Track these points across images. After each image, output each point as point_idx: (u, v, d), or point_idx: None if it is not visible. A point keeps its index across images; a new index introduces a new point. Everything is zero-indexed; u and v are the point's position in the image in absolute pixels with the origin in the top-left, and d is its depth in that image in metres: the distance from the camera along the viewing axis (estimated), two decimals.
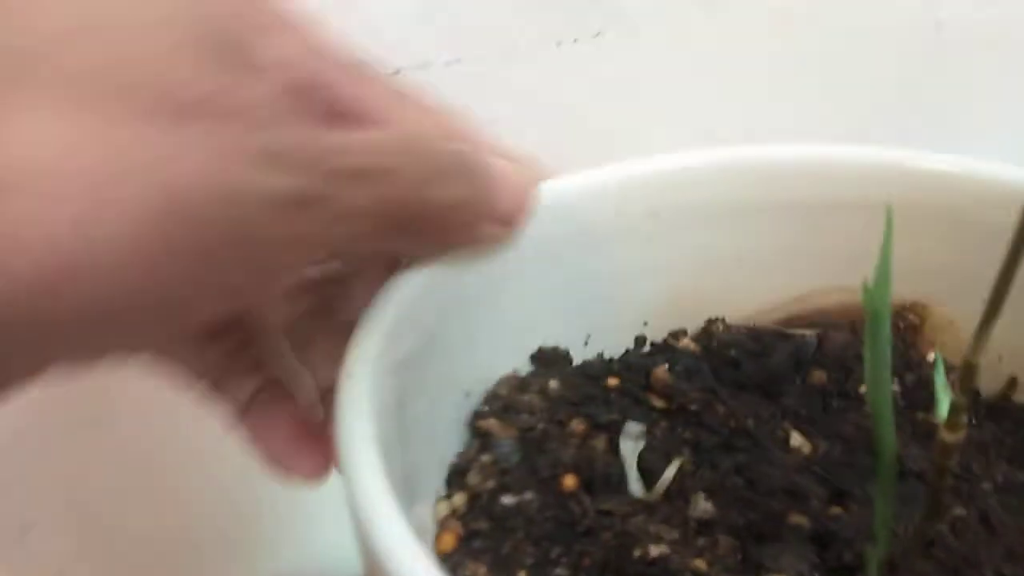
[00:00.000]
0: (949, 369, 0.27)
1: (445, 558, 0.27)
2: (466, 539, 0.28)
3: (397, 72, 0.35)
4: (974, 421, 0.32)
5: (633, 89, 0.40)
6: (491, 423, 0.30)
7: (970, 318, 0.32)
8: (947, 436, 0.22)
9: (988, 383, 0.34)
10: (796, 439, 0.32)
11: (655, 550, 0.27)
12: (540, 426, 0.31)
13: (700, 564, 0.27)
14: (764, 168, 0.34)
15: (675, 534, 0.28)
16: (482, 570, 0.27)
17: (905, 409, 0.33)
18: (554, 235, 0.32)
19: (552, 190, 0.32)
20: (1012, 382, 0.33)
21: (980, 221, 0.33)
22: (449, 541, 0.27)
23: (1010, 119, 0.52)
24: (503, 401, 0.31)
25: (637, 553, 0.27)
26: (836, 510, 0.30)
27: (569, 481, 0.29)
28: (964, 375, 0.22)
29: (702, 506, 0.30)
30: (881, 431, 0.24)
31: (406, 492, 0.23)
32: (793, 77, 0.45)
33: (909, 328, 0.35)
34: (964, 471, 0.30)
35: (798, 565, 0.28)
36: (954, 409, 0.22)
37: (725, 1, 0.41)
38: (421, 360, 0.27)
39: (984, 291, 0.21)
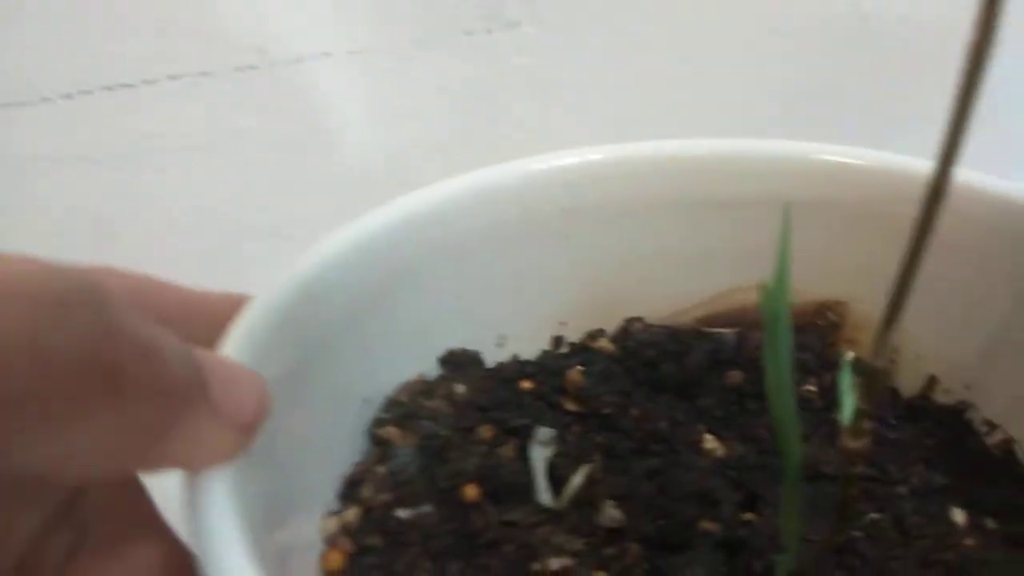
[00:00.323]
0: (865, 370, 0.27)
1: None
2: (357, 556, 0.26)
3: (299, 60, 0.33)
4: (892, 422, 0.31)
5: (548, 80, 0.38)
6: (390, 431, 0.28)
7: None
8: (850, 442, 0.21)
9: (907, 382, 0.33)
10: (710, 442, 0.31)
11: (556, 563, 0.26)
12: (443, 433, 0.29)
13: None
14: (676, 163, 0.33)
15: (580, 544, 0.27)
16: None
17: (822, 410, 0.32)
18: (459, 233, 0.31)
19: (459, 187, 0.31)
20: (931, 381, 0.32)
21: (894, 215, 0.32)
22: (336, 560, 0.25)
23: (937, 112, 0.52)
24: (403, 408, 0.29)
25: (536, 567, 0.26)
26: (748, 516, 0.29)
27: (471, 491, 0.27)
28: (868, 380, 0.21)
29: (610, 514, 0.29)
30: (785, 436, 0.23)
31: (274, 515, 0.21)
32: (714, 71, 0.44)
33: (829, 327, 0.34)
34: (880, 473, 0.29)
35: (705, 575, 0.26)
36: (858, 414, 0.21)
37: None
38: (301, 375, 0.25)
39: None
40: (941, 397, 0.32)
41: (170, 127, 0.29)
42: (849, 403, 0.22)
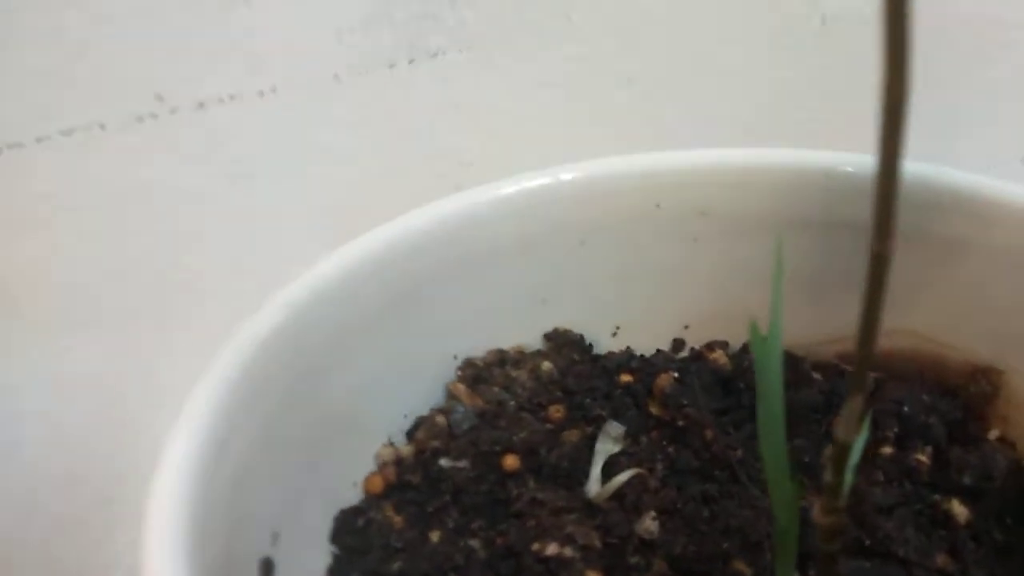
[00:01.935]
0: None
1: (367, 499, 0.29)
2: (396, 487, 0.29)
3: (200, 106, 0.31)
4: (1008, 521, 0.27)
5: (479, 109, 0.36)
6: (459, 388, 0.31)
7: None
8: (820, 518, 0.20)
9: None
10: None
11: (552, 549, 0.26)
12: (510, 403, 0.31)
13: None
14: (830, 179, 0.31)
15: (597, 542, 0.27)
16: (398, 519, 0.28)
17: (925, 485, 0.28)
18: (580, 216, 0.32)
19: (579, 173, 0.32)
20: None
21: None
22: (377, 483, 0.29)
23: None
24: (478, 370, 0.31)
25: (536, 546, 0.27)
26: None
27: (510, 461, 0.29)
28: (836, 455, 0.19)
29: (648, 524, 0.28)
30: (775, 496, 0.21)
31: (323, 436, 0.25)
32: (662, 88, 0.38)
33: (980, 396, 0.29)
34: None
35: None
36: (829, 491, 0.19)
37: (579, 8, 0.36)
38: (385, 321, 0.28)
39: None
40: None
41: (68, 185, 0.29)
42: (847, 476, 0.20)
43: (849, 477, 0.20)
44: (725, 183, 0.32)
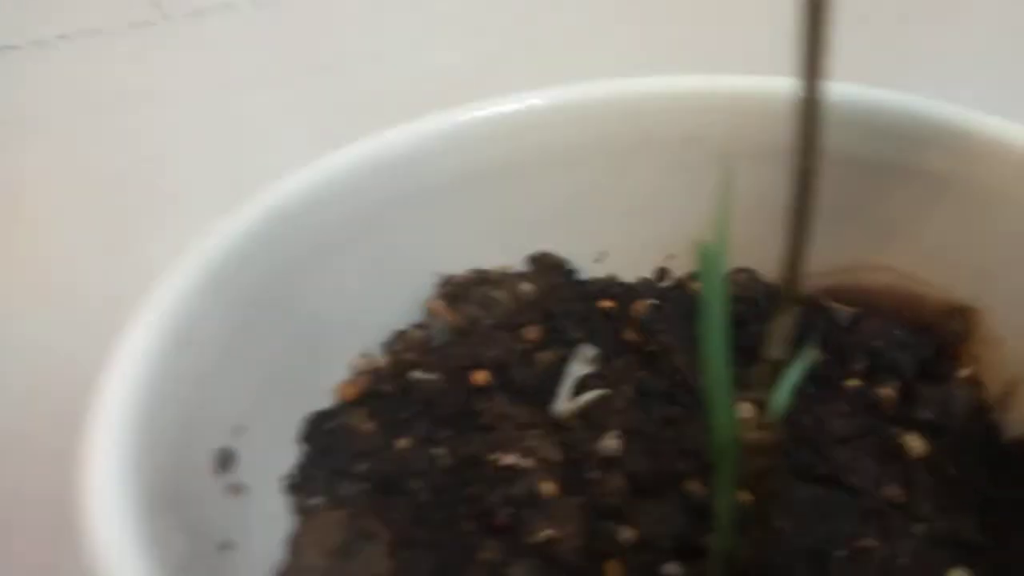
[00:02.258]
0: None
1: (340, 406, 0.30)
2: (370, 396, 0.30)
3: (197, 14, 0.32)
4: (961, 457, 0.27)
5: (467, 25, 0.35)
6: (438, 305, 0.31)
7: (1016, 335, 0.27)
8: (748, 434, 0.20)
9: (1017, 420, 0.27)
10: (745, 411, 0.29)
11: (508, 459, 0.27)
12: (486, 321, 0.31)
13: (549, 488, 0.27)
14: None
15: (557, 456, 0.28)
16: (368, 425, 0.29)
17: (889, 420, 0.28)
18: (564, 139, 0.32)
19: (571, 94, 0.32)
20: None
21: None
22: (350, 391, 0.30)
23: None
24: (457, 288, 0.32)
25: (494, 456, 0.27)
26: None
27: (479, 376, 0.30)
28: (764, 373, 0.19)
29: (609, 443, 0.29)
30: (715, 413, 0.22)
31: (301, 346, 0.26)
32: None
33: (953, 335, 0.29)
34: (894, 504, 0.26)
35: (655, 529, 0.26)
36: (757, 408, 0.20)
37: None
38: (356, 240, 0.29)
39: None
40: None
41: (63, 89, 0.29)
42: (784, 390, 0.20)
43: (783, 397, 0.20)
44: (715, 108, 0.31)
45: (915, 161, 0.28)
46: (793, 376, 0.21)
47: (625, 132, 0.32)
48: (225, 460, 0.24)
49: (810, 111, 0.15)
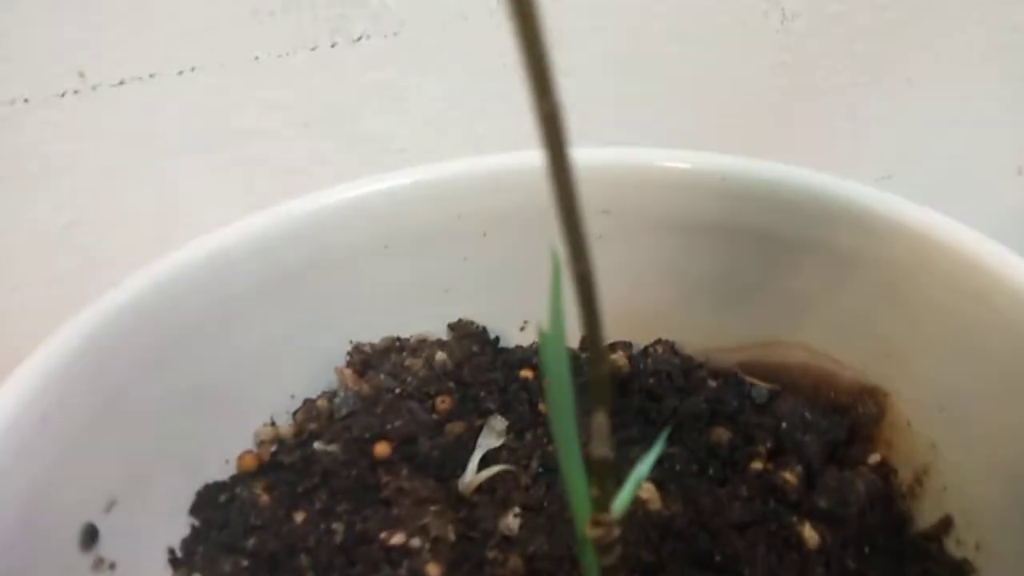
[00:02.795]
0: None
1: (237, 476, 0.29)
2: (271, 467, 0.30)
3: (121, 83, 0.32)
4: (866, 551, 0.26)
5: (399, 94, 0.35)
6: (346, 373, 0.31)
7: (924, 421, 0.26)
8: (589, 531, 0.19)
9: (925, 512, 0.26)
10: (647, 491, 0.28)
11: (398, 538, 0.27)
12: (395, 391, 0.31)
13: (434, 571, 0.26)
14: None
15: (451, 535, 0.28)
16: (265, 498, 0.29)
17: (792, 504, 0.27)
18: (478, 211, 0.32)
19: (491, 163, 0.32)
20: (946, 522, 0.25)
21: (943, 280, 0.25)
22: (249, 462, 0.29)
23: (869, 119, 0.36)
24: (367, 357, 0.32)
25: (383, 535, 0.27)
26: None
27: (381, 448, 0.29)
28: (596, 470, 0.18)
29: (510, 521, 0.28)
30: (574, 505, 0.21)
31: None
32: (598, 80, 0.35)
33: (867, 417, 0.28)
34: None
35: None
36: (595, 505, 0.19)
37: None
38: (270, 304, 0.29)
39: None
40: (951, 547, 0.25)
41: None
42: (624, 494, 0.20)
43: (627, 492, 0.20)
44: (627, 183, 0.31)
45: (823, 238, 0.28)
46: (639, 474, 0.20)
47: (539, 200, 0.32)
48: (90, 536, 0.23)
49: (567, 213, 0.15)
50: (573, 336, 0.23)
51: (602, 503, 0.19)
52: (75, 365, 0.23)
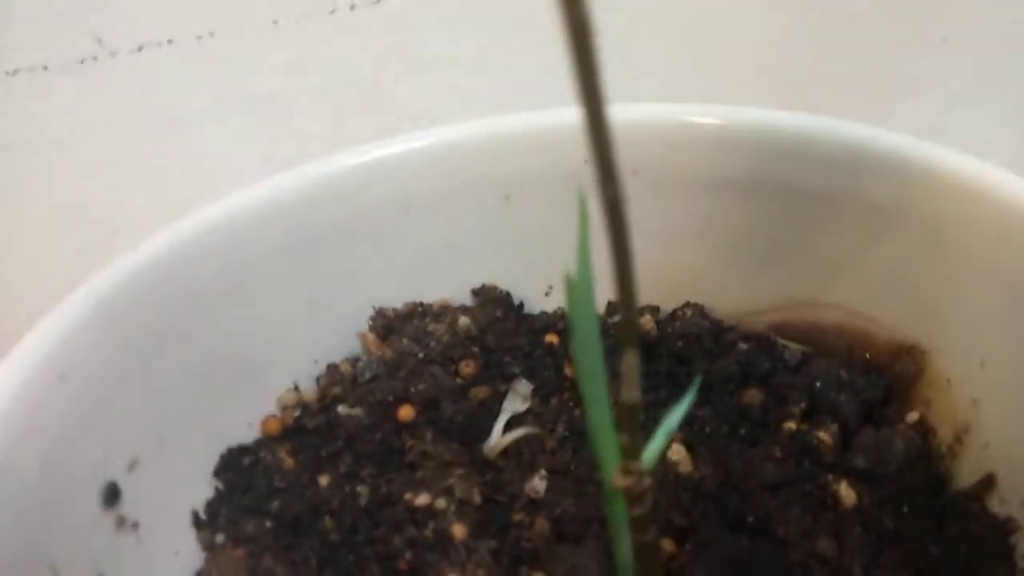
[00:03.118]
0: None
1: (262, 441, 0.29)
2: (294, 431, 0.29)
3: (139, 49, 0.31)
4: (905, 510, 0.25)
5: (421, 57, 0.34)
6: (368, 338, 0.31)
7: (965, 378, 0.25)
8: (618, 480, 0.19)
9: (965, 471, 0.25)
10: (677, 452, 0.27)
11: (424, 499, 0.26)
12: (419, 355, 0.31)
13: (460, 531, 0.26)
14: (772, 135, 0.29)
15: (477, 497, 0.27)
16: (290, 461, 0.29)
17: (827, 465, 0.26)
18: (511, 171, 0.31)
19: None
20: (988, 481, 0.24)
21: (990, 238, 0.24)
22: (274, 426, 0.29)
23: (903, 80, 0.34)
24: (389, 322, 0.31)
25: (408, 495, 0.27)
26: (668, 545, 0.26)
27: (405, 412, 0.29)
28: (623, 416, 0.18)
29: (536, 483, 0.28)
30: (601, 459, 0.20)
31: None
32: (630, 37, 0.34)
33: (904, 376, 0.27)
34: (826, 564, 0.24)
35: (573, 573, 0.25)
36: (625, 453, 0.18)
37: None
38: (288, 269, 0.29)
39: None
40: (994, 505, 0.24)
41: (10, 126, 0.30)
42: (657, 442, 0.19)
43: (659, 442, 0.19)
44: (656, 140, 0.30)
45: (858, 192, 0.27)
46: (670, 424, 0.19)
47: (565, 160, 0.31)
48: (113, 494, 0.23)
49: (599, 137, 0.14)
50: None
51: (631, 451, 0.18)
52: (93, 325, 0.23)
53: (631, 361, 0.17)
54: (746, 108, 0.29)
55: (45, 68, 0.32)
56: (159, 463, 0.25)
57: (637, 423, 0.18)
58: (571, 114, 0.31)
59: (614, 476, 0.19)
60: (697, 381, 0.24)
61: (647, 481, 0.19)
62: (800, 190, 0.28)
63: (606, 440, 0.20)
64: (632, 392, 0.17)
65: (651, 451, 0.19)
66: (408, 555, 0.25)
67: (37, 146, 0.33)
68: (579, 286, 0.19)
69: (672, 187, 0.31)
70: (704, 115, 0.29)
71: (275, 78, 0.34)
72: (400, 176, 0.30)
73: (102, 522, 0.23)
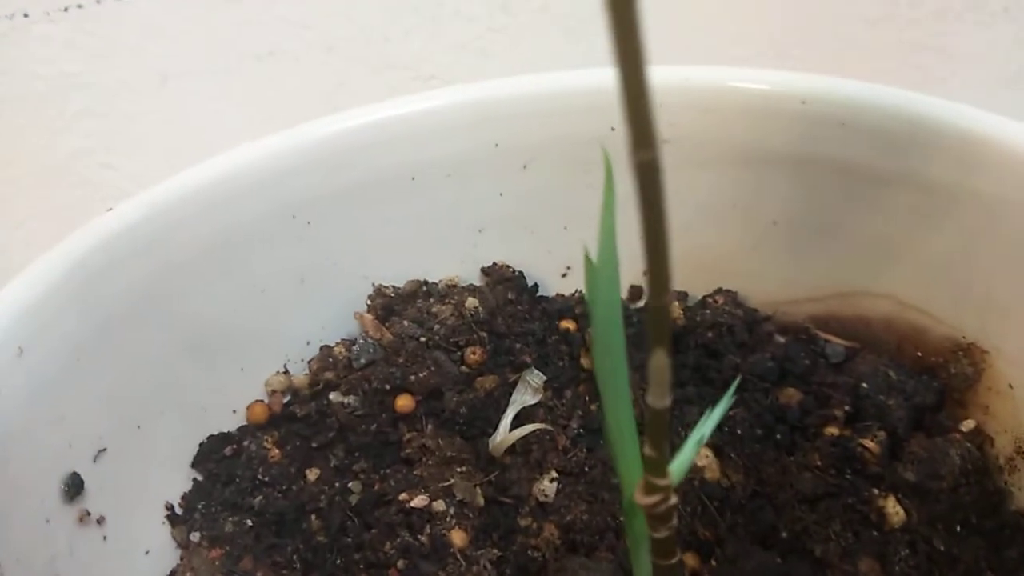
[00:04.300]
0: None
1: (246, 428, 0.27)
2: (282, 419, 0.27)
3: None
4: (957, 528, 0.22)
5: (435, 12, 0.32)
6: (366, 319, 0.28)
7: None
8: (641, 498, 0.16)
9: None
10: (703, 458, 0.25)
11: (420, 501, 0.24)
12: (421, 339, 0.28)
13: (459, 538, 0.23)
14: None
15: (480, 499, 0.25)
16: (276, 452, 0.26)
17: (871, 477, 0.23)
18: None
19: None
20: None
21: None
22: (260, 413, 0.27)
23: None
24: (389, 301, 0.29)
25: (403, 495, 0.24)
26: (692, 560, 0.23)
27: (403, 402, 0.26)
28: (650, 424, 0.15)
29: (544, 486, 0.25)
30: (621, 470, 0.18)
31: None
32: None
33: (960, 378, 0.24)
34: None
35: None
36: (649, 466, 0.16)
37: None
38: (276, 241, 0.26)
39: None
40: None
41: None
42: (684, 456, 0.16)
43: (688, 453, 0.17)
44: (693, 107, 0.27)
45: (914, 169, 0.24)
46: (703, 432, 0.17)
47: (588, 126, 0.28)
48: (75, 486, 0.21)
49: (634, 88, 0.11)
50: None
51: (656, 465, 0.15)
52: (57, 296, 0.21)
53: (660, 361, 0.14)
54: (793, 73, 0.26)
55: (25, 16, 0.29)
56: (130, 451, 0.23)
57: (665, 432, 0.15)
58: (599, 76, 0.29)
59: (636, 492, 0.16)
60: (735, 382, 0.21)
61: (674, 499, 0.16)
62: (849, 165, 0.25)
63: (627, 448, 0.17)
64: (660, 398, 0.14)
65: (679, 464, 0.16)
66: (400, 563, 0.23)
67: (17, 100, 0.30)
68: (602, 267, 0.17)
69: (708, 159, 0.28)
70: (747, 79, 0.26)
71: (275, 31, 0.32)
72: (406, 141, 0.27)
73: (62, 517, 0.21)
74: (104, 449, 0.22)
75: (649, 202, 0.13)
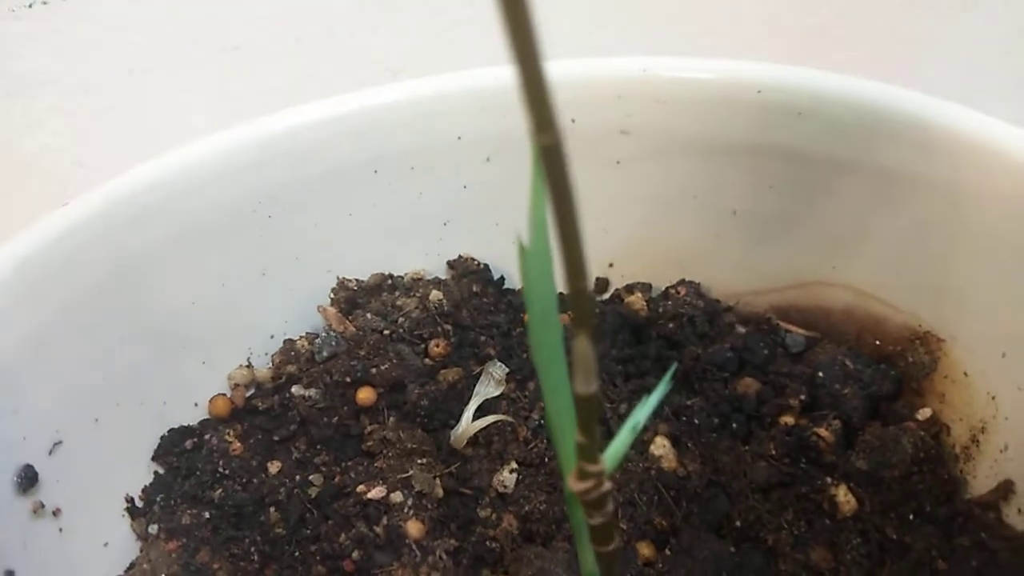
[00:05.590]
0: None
1: (208, 422, 0.27)
2: (244, 412, 0.27)
3: None
4: (911, 517, 0.22)
5: (401, 5, 0.31)
6: (329, 312, 0.28)
7: (984, 371, 0.22)
8: (573, 484, 0.16)
9: (980, 475, 0.23)
10: (660, 446, 0.25)
11: (378, 492, 0.24)
12: (385, 332, 0.28)
13: (415, 529, 0.23)
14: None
15: (439, 490, 0.25)
16: (237, 445, 0.26)
17: (826, 466, 0.23)
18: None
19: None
20: (1005, 488, 0.22)
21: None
22: (222, 406, 0.27)
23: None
24: (352, 295, 0.29)
25: (360, 488, 0.24)
26: (643, 546, 0.23)
27: (364, 395, 0.26)
28: (579, 412, 0.15)
29: (505, 476, 0.25)
30: (561, 458, 0.18)
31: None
32: None
33: (917, 367, 0.25)
34: None
35: None
36: (581, 453, 0.16)
37: None
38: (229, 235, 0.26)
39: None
40: (1011, 515, 0.21)
41: None
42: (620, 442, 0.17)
43: (621, 440, 0.17)
44: (649, 98, 0.27)
45: (871, 157, 0.24)
46: (636, 419, 0.17)
47: (566, 121, 0.28)
48: (29, 478, 0.21)
49: (528, 75, 0.12)
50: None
51: (588, 452, 0.16)
52: (12, 289, 0.21)
53: (583, 346, 0.14)
54: (749, 63, 0.26)
55: None
56: (88, 444, 0.23)
57: (594, 418, 0.15)
58: (559, 69, 0.29)
59: (569, 478, 0.16)
60: (671, 369, 0.21)
61: (607, 485, 0.16)
62: (807, 155, 0.25)
63: (566, 437, 0.17)
64: (586, 384, 0.14)
65: (613, 450, 0.16)
66: (355, 554, 0.23)
67: None
68: (534, 258, 0.17)
69: (666, 150, 0.28)
70: (702, 70, 0.26)
71: (242, 24, 0.32)
72: (370, 133, 0.27)
73: (14, 509, 0.21)
74: (60, 442, 0.22)
75: (556, 186, 0.13)
